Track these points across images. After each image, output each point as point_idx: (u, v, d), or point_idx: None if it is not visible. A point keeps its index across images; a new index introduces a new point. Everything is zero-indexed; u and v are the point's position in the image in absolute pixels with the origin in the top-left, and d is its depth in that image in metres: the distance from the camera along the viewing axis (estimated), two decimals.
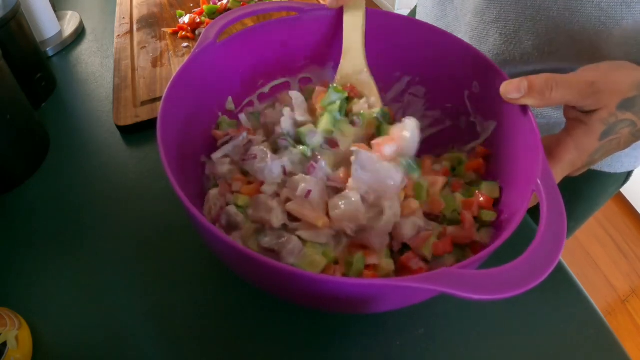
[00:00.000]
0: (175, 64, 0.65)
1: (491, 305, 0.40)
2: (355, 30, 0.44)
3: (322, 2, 0.76)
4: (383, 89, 0.44)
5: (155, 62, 0.66)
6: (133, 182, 0.51)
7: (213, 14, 0.75)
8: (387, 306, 0.33)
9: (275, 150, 0.41)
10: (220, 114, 0.45)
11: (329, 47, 0.47)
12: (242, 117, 0.46)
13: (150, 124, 0.57)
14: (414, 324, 0.39)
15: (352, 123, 0.41)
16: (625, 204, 1.62)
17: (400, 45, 0.46)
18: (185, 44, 0.70)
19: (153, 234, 0.46)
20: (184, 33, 0.71)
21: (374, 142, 0.38)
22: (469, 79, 0.42)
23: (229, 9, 0.76)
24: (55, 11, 0.73)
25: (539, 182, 0.30)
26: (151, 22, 0.75)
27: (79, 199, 0.50)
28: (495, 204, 0.38)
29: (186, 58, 0.40)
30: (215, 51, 0.41)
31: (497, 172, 0.40)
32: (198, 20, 0.73)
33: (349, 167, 0.40)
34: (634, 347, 1.30)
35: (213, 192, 0.39)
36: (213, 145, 0.43)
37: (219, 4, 0.77)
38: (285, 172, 0.39)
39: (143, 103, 0.59)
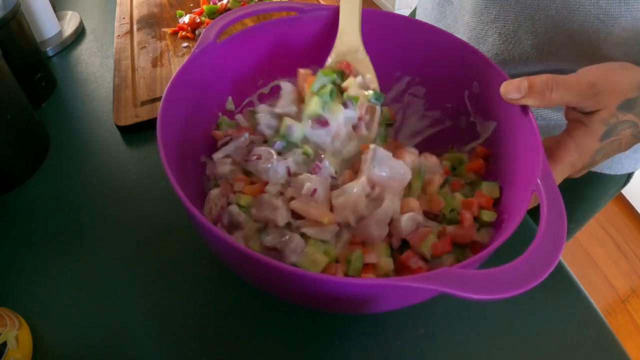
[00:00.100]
0: (175, 64, 0.65)
1: (491, 305, 0.40)
2: (352, 14, 0.44)
3: (322, 2, 0.76)
4: (383, 89, 0.44)
5: (155, 62, 0.66)
6: (133, 182, 0.51)
7: (213, 14, 0.75)
8: (387, 306, 0.33)
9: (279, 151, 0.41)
10: (220, 114, 0.45)
11: (329, 47, 0.47)
12: (240, 117, 0.46)
13: (150, 124, 0.57)
14: (414, 324, 0.39)
15: (344, 105, 0.41)
16: (625, 205, 1.62)
17: (400, 45, 0.46)
18: (185, 44, 0.70)
19: (153, 234, 0.46)
20: (184, 33, 0.71)
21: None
22: (469, 79, 0.42)
23: (229, 9, 0.76)
24: (55, 11, 0.73)
25: (539, 182, 0.30)
26: (151, 22, 0.75)
27: (79, 199, 0.50)
28: (495, 204, 0.38)
29: (186, 58, 0.40)
30: (215, 51, 0.42)
31: (497, 172, 0.40)
32: (198, 20, 0.73)
33: (352, 168, 0.40)
34: (634, 347, 1.30)
35: (214, 192, 0.39)
36: (213, 145, 0.43)
37: (219, 4, 0.77)
38: (289, 173, 0.39)
39: (143, 103, 0.59)
